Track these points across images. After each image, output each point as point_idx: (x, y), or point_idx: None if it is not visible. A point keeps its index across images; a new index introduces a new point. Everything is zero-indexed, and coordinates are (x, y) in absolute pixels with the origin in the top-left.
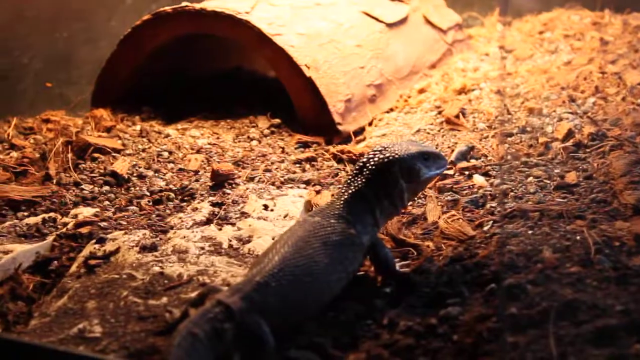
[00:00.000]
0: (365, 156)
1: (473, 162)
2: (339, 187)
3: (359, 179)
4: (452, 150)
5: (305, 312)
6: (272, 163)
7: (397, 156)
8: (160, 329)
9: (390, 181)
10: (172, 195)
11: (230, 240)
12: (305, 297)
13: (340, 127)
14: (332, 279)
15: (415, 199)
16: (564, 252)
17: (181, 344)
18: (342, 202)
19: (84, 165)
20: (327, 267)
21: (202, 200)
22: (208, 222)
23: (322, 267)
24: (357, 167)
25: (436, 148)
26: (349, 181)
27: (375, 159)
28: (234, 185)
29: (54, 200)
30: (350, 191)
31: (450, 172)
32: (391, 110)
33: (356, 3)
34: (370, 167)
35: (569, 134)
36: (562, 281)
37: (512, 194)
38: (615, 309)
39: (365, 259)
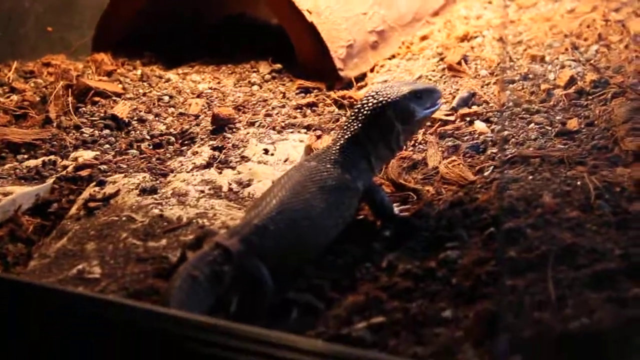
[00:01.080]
0: (359, 101)
1: (474, 108)
2: (336, 132)
3: (354, 124)
4: (454, 97)
5: (302, 256)
6: (273, 108)
7: (390, 99)
8: (159, 272)
9: (386, 125)
10: (173, 139)
11: (230, 184)
12: (302, 240)
13: (341, 73)
14: (329, 223)
15: (416, 144)
16: (564, 197)
17: (181, 286)
18: (337, 147)
19: (84, 108)
20: (323, 211)
21: (203, 144)
22: (208, 165)
23: (319, 211)
24: (352, 113)
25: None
26: (344, 126)
27: (369, 104)
28: (234, 130)
29: (54, 143)
30: (345, 136)
31: (452, 118)
32: (393, 57)
33: None
34: (364, 112)
35: (571, 81)
36: (562, 225)
37: (513, 140)
38: (615, 253)
39: (362, 204)
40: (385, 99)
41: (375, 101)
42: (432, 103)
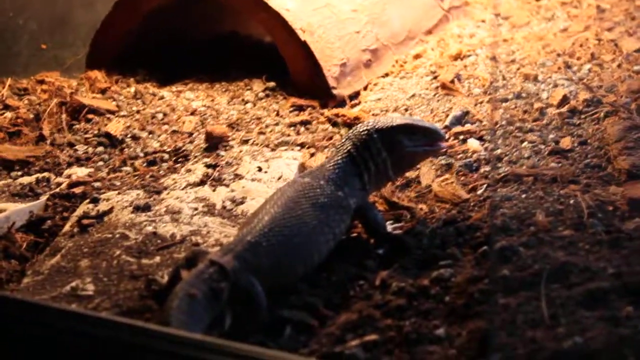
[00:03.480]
0: (358, 124)
1: (468, 126)
2: (331, 150)
3: (348, 143)
4: (447, 115)
5: (293, 273)
6: (267, 126)
7: (378, 125)
8: (150, 294)
9: (374, 149)
10: (166, 156)
11: (224, 202)
12: (293, 256)
13: (335, 91)
14: (320, 240)
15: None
16: (557, 216)
17: (180, 305)
18: (331, 164)
19: (78, 126)
20: (315, 227)
21: (196, 162)
22: (202, 183)
23: (311, 228)
24: (348, 134)
25: (431, 113)
26: (339, 145)
27: (363, 126)
28: (228, 148)
29: (48, 160)
30: (339, 154)
31: (445, 136)
32: (386, 75)
33: None
34: (357, 132)
35: (564, 100)
36: (555, 244)
37: (506, 158)
38: (607, 271)
39: (354, 221)
40: (376, 124)
41: (368, 124)
42: (428, 143)
